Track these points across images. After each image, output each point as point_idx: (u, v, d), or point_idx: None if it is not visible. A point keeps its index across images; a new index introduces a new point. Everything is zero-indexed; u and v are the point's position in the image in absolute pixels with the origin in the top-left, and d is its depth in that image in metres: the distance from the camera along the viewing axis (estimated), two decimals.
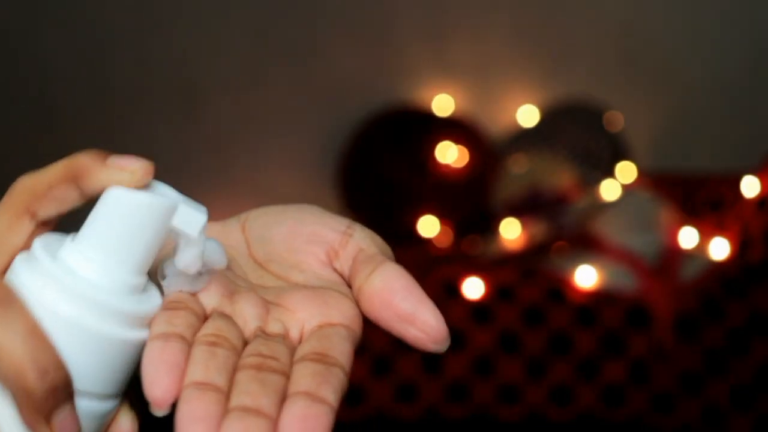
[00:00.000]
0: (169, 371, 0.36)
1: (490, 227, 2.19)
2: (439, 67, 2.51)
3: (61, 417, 0.37)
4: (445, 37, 2.51)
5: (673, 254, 1.81)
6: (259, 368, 0.37)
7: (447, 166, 2.33)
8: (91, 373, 0.38)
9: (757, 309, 1.68)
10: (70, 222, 0.42)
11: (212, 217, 0.42)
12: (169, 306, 0.40)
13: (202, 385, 0.36)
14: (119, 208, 0.39)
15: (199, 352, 0.37)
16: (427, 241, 2.27)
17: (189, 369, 0.36)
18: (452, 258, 2.04)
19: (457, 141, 2.35)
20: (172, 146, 2.53)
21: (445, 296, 1.72)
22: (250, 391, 0.36)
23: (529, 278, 1.76)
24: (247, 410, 0.35)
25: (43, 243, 0.39)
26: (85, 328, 0.37)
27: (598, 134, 2.32)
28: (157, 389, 0.36)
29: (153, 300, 0.40)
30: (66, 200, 0.40)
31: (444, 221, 2.31)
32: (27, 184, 0.40)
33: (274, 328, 0.41)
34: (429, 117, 2.43)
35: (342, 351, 0.40)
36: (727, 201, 1.92)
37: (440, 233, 2.30)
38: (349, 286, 0.43)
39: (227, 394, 0.36)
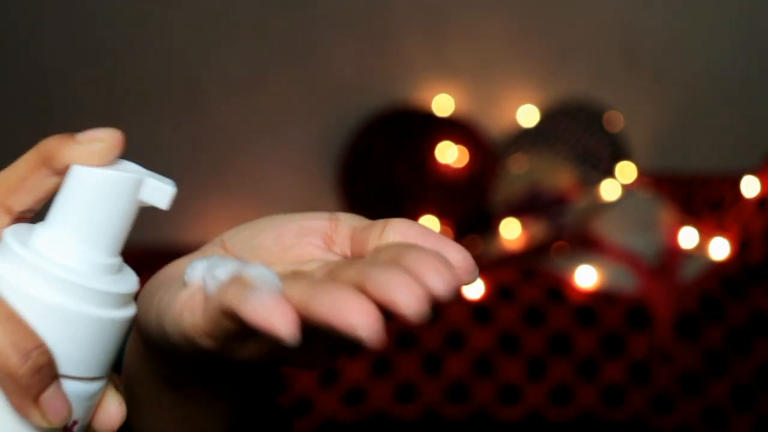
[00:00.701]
0: (275, 305, 0.35)
1: (490, 227, 2.19)
2: (439, 67, 2.51)
3: (49, 397, 0.37)
4: (445, 37, 2.51)
5: (673, 254, 1.81)
6: (350, 263, 0.37)
7: (447, 166, 2.33)
8: (74, 355, 0.38)
9: (757, 309, 1.68)
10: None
11: (211, 216, 0.42)
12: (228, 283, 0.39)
13: (316, 283, 0.35)
14: (85, 187, 0.38)
15: (287, 283, 0.36)
16: None
17: (291, 293, 0.35)
18: None
19: (457, 141, 2.35)
20: (172, 146, 2.53)
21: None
22: (362, 264, 0.36)
23: (529, 278, 1.76)
24: (375, 264, 0.35)
25: (13, 231, 0.39)
26: (63, 311, 0.37)
27: (598, 134, 2.32)
28: (277, 318, 0.34)
29: (129, 279, 0.40)
30: (41, 187, 0.40)
31: (444, 221, 2.31)
32: None
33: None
34: (429, 117, 2.43)
35: None
36: (727, 201, 1.92)
37: (440, 233, 2.30)
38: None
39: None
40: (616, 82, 2.48)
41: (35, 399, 0.37)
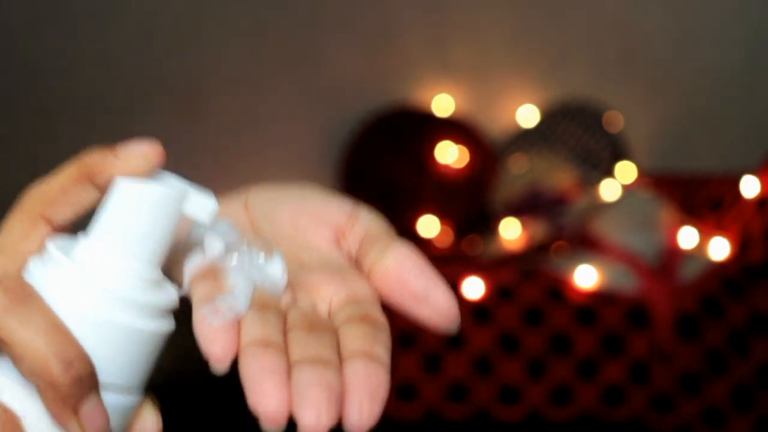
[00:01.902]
0: (225, 330, 0.37)
1: (490, 227, 2.19)
2: (439, 67, 2.51)
3: (88, 408, 0.37)
4: (445, 37, 2.51)
5: (673, 254, 1.81)
6: (310, 328, 0.38)
7: (447, 166, 2.33)
8: (114, 365, 0.38)
9: (757, 309, 1.68)
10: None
11: None
12: (205, 274, 0.40)
13: (264, 342, 0.36)
14: (129, 201, 0.39)
15: (251, 314, 0.38)
16: (427, 241, 2.27)
17: (245, 330, 0.37)
18: (452, 258, 2.04)
19: (457, 141, 2.35)
20: (172, 147, 2.52)
21: None
22: (311, 345, 0.37)
23: (529, 278, 1.76)
24: (313, 360, 0.36)
25: (57, 243, 0.39)
26: (105, 322, 0.38)
27: (597, 134, 2.32)
28: (216, 346, 0.36)
29: (170, 292, 0.40)
30: (82, 200, 0.40)
31: (444, 221, 2.31)
32: (39, 191, 0.40)
33: (303, 303, 0.41)
34: (429, 117, 2.43)
35: (379, 314, 0.40)
36: (726, 201, 1.92)
37: (440, 233, 2.30)
38: (356, 266, 0.44)
39: (285, 352, 0.37)
40: (616, 82, 2.48)
41: (74, 409, 0.37)
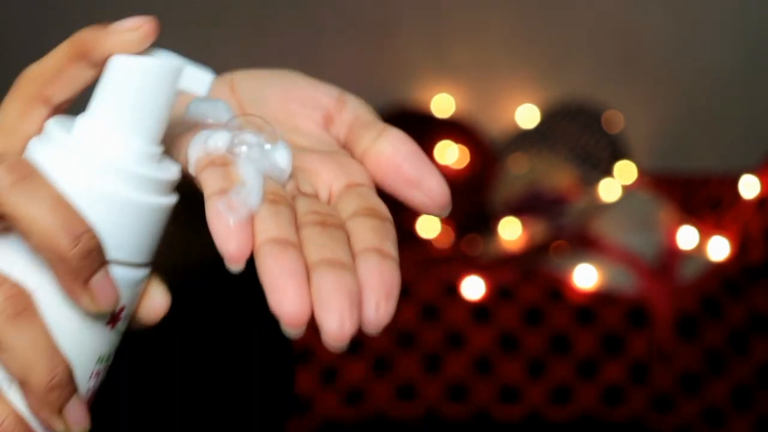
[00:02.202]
0: (240, 227, 0.36)
1: (490, 227, 2.19)
2: (439, 67, 2.52)
3: (98, 281, 0.37)
4: (445, 37, 2.51)
5: (673, 254, 1.81)
6: (323, 225, 0.37)
7: (447, 167, 2.33)
8: (120, 240, 0.38)
9: (757, 309, 1.68)
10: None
11: None
12: (214, 162, 0.39)
13: (281, 241, 0.36)
14: (127, 76, 0.39)
15: (264, 210, 0.37)
16: (427, 241, 2.27)
17: (259, 226, 0.36)
18: (452, 258, 2.04)
19: (457, 141, 2.35)
20: None
21: (445, 296, 1.72)
22: (326, 245, 0.36)
23: (529, 278, 1.76)
24: (332, 263, 0.35)
25: (56, 121, 0.39)
26: (109, 196, 0.38)
27: (597, 134, 2.32)
28: (231, 244, 0.35)
29: (172, 167, 0.40)
30: (79, 79, 0.40)
31: (444, 221, 2.31)
32: (34, 72, 0.40)
33: (305, 188, 0.41)
34: (429, 117, 2.43)
35: (383, 206, 0.40)
36: (726, 201, 1.92)
37: (440, 233, 2.30)
38: (346, 150, 0.43)
39: (302, 251, 0.36)
40: (616, 82, 2.48)
41: (85, 283, 0.37)
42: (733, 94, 2.46)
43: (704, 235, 1.84)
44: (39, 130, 0.40)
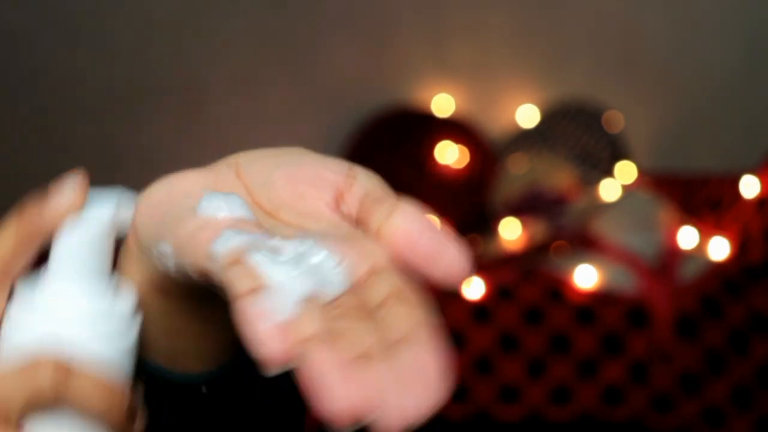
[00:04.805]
0: (278, 328, 0.35)
1: (490, 227, 2.19)
2: (439, 67, 2.52)
3: None
4: (445, 37, 2.51)
5: (673, 254, 1.81)
6: (362, 314, 0.37)
7: (447, 166, 2.33)
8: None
9: (757, 309, 1.68)
10: None
11: None
12: (239, 261, 0.38)
13: (323, 336, 0.35)
14: (73, 246, 0.45)
15: (299, 308, 0.36)
16: None
17: (300, 322, 0.35)
18: None
19: (457, 141, 2.35)
20: (172, 146, 2.53)
21: (445, 296, 1.72)
22: (362, 337, 0.36)
23: (529, 278, 1.76)
24: (368, 356, 0.35)
25: (22, 288, 0.44)
26: (88, 350, 0.42)
27: (597, 134, 2.32)
28: (269, 346, 0.34)
29: (120, 304, 0.45)
30: (31, 251, 0.46)
31: (444, 221, 2.31)
32: None
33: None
34: (429, 117, 2.43)
35: (410, 286, 0.39)
36: (726, 201, 1.92)
37: (442, 230, 2.30)
38: (359, 227, 0.43)
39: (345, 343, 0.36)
40: (616, 83, 2.48)
41: None
42: (733, 94, 2.46)
43: (704, 235, 1.84)
44: (8, 300, 0.45)
